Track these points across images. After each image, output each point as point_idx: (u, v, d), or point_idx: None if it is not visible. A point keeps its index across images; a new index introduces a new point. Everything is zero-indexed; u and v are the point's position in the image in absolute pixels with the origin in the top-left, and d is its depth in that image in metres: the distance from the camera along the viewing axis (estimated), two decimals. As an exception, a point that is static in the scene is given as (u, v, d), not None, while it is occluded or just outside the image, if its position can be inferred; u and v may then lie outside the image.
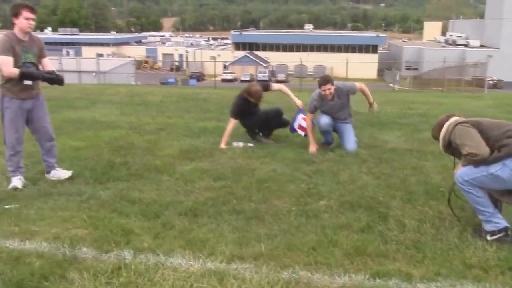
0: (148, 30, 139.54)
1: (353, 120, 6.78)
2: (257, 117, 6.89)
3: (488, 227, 3.61)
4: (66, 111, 9.26)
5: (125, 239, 3.51)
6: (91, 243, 3.44)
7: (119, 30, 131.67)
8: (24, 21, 4.54)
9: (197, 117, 8.98)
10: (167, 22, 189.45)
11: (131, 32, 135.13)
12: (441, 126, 3.88)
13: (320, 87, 6.30)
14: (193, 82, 46.61)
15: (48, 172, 5.08)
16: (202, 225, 3.81)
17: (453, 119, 3.85)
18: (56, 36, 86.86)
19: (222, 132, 6.71)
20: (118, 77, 36.39)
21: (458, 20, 79.19)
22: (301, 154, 6.10)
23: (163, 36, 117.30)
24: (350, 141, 6.37)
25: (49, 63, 4.94)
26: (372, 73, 56.82)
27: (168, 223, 3.83)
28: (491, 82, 44.26)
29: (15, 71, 4.51)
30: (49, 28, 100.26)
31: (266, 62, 62.68)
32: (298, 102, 6.84)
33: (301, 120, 6.79)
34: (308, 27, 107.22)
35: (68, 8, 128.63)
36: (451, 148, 3.83)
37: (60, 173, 5.05)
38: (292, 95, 6.94)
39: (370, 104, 6.62)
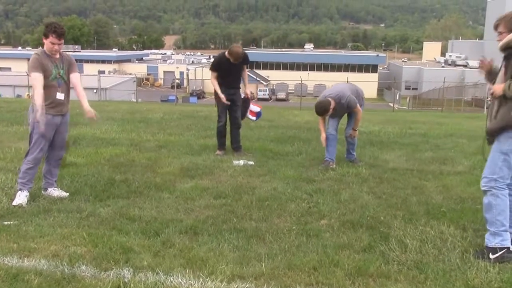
0: (149, 48, 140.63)
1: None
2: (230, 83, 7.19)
3: (493, 241, 3.58)
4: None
5: (124, 257, 3.47)
6: (90, 261, 3.41)
7: (121, 47, 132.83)
8: (50, 45, 4.72)
9: (198, 134, 8.99)
10: (169, 40, 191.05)
11: (133, 49, 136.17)
12: None
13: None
14: (193, 99, 46.76)
15: (46, 189, 5.07)
16: (202, 244, 3.78)
17: None
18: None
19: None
20: (119, 94, 36.58)
21: (457, 41, 79.78)
22: (301, 173, 6.09)
23: (165, 54, 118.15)
24: (349, 128, 6.69)
25: (77, 79, 5.01)
26: (372, 93, 57.04)
27: (168, 241, 3.80)
28: (490, 102, 44.39)
29: (41, 91, 4.60)
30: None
31: (266, 80, 63.00)
32: (248, 91, 7.41)
33: (252, 106, 7.43)
34: (309, 46, 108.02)
35: (71, 25, 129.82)
36: (507, 51, 3.67)
37: (55, 193, 5.03)
38: (245, 84, 7.44)
39: (352, 128, 6.68)
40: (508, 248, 3.58)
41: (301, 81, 30.82)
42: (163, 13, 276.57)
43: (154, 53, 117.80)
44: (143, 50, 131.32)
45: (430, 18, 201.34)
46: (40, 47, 4.85)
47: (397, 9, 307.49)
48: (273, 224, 4.27)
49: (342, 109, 6.50)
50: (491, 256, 3.53)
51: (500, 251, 3.54)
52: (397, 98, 36.23)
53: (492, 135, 3.73)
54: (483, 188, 3.74)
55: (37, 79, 4.64)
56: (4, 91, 38.39)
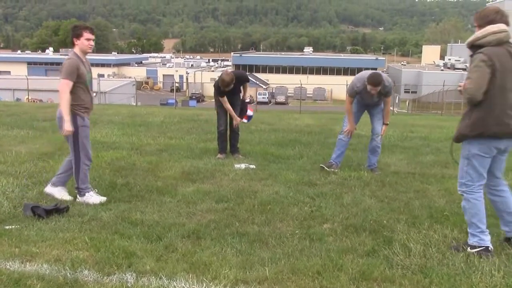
0: (149, 52, 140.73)
1: (356, 143, 6.78)
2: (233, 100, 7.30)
3: (472, 240, 3.71)
4: (68, 131, 9.25)
5: (127, 261, 3.45)
6: (93, 266, 3.39)
7: (121, 51, 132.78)
8: (86, 42, 4.79)
9: (199, 138, 8.97)
10: (168, 43, 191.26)
11: (132, 53, 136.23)
12: (487, 20, 3.58)
13: (368, 84, 6.00)
14: (193, 103, 46.76)
15: (55, 185, 5.10)
16: (205, 248, 3.76)
17: (492, 37, 3.52)
18: (57, 57, 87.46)
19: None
20: (118, 98, 36.55)
21: (456, 44, 79.80)
22: (303, 176, 6.07)
23: (164, 57, 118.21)
24: (378, 125, 6.45)
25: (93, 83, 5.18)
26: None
27: (170, 246, 3.78)
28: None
29: (68, 98, 4.67)
30: (51, 49, 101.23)
31: (266, 84, 62.99)
32: (247, 95, 7.58)
33: (248, 111, 7.61)
34: (308, 50, 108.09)
35: (70, 29, 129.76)
36: (472, 50, 3.64)
37: (58, 194, 5.04)
38: (245, 91, 7.53)
39: (384, 123, 6.45)
40: (487, 247, 3.67)
41: (301, 84, 30.84)
42: (162, 16, 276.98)
43: (154, 57, 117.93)
44: (143, 53, 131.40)
45: (429, 22, 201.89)
46: (73, 51, 4.85)
47: (396, 12, 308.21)
48: (276, 228, 4.25)
49: (380, 93, 6.12)
50: (469, 250, 3.68)
51: (478, 248, 3.66)
52: (397, 101, 36.24)
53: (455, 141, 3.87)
54: (458, 193, 3.90)
55: (69, 86, 4.69)
56: (4, 94, 38.31)
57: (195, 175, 6.09)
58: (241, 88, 7.45)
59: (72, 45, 4.88)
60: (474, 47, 3.61)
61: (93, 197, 4.95)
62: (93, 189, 5.13)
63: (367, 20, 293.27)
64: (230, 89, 7.07)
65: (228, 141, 7.40)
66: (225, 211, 4.71)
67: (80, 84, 4.77)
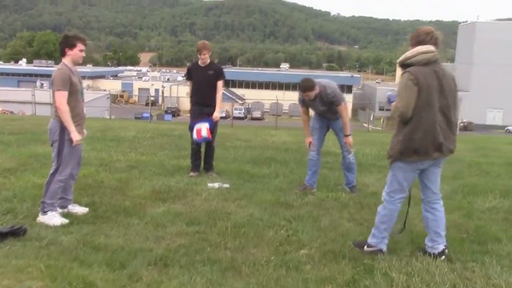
0: (125, 65, 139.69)
1: (332, 161, 6.59)
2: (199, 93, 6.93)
3: (372, 240, 4.06)
4: (33, 146, 8.81)
5: (85, 293, 3.14)
6: (47, 298, 3.06)
7: (96, 64, 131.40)
8: (79, 53, 4.71)
9: (171, 154, 8.66)
10: (145, 57, 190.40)
11: (108, 66, 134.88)
12: (417, 40, 3.83)
13: (298, 90, 6.00)
14: (168, 117, 46.32)
15: (64, 207, 4.94)
16: (172, 277, 3.46)
17: (421, 56, 3.74)
18: (30, 68, 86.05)
19: (197, 172, 6.42)
20: (92, 111, 35.84)
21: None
22: (279, 197, 5.83)
23: (140, 70, 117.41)
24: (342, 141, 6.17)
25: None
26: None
27: (135, 275, 3.47)
28: (461, 124, 45.36)
29: (67, 109, 4.57)
30: (24, 60, 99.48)
31: (242, 99, 63.01)
32: (215, 115, 6.87)
33: (205, 129, 6.75)
34: (285, 66, 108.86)
35: (45, 40, 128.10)
36: (402, 68, 3.84)
37: (76, 209, 4.97)
38: (218, 104, 6.92)
39: (344, 134, 6.10)
40: (381, 249, 4.03)
41: (277, 100, 30.77)
42: (139, 30, 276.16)
43: (129, 70, 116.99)
44: (118, 66, 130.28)
45: (403, 41, 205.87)
46: (62, 62, 4.70)
47: (370, 31, 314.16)
48: (250, 255, 3.98)
49: (325, 102, 5.87)
50: (366, 249, 4.04)
51: (375, 247, 4.03)
52: (371, 119, 36.53)
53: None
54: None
55: (65, 96, 4.58)
56: (-27, 105, 37.27)
57: (166, 194, 5.79)
58: (216, 85, 6.87)
59: (62, 55, 4.71)
60: (404, 65, 3.81)
61: (54, 218, 4.62)
62: (73, 203, 5.00)
63: (343, 37, 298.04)
64: (203, 76, 6.79)
65: (203, 158, 7.12)
66: (196, 234, 4.42)
67: (73, 95, 4.63)
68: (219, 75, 6.92)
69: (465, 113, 44.88)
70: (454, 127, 3.90)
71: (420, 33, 3.83)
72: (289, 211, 5.29)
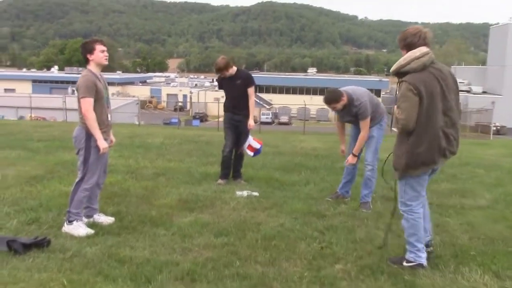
0: (153, 71, 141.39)
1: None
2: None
3: (410, 256, 3.78)
4: (61, 152, 8.79)
5: (108, 311, 2.97)
6: (68, 316, 2.90)
7: (125, 70, 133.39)
8: (101, 54, 4.54)
9: (199, 161, 8.50)
10: (173, 63, 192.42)
11: (137, 72, 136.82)
12: (405, 43, 3.64)
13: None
14: (196, 122, 46.42)
15: (90, 217, 4.80)
16: (200, 294, 3.26)
17: (415, 63, 3.54)
18: (62, 75, 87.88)
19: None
20: (121, 116, 36.23)
21: (460, 67, 79.66)
22: (310, 206, 5.59)
23: (168, 76, 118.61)
24: (368, 152, 5.69)
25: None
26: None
27: (160, 291, 3.29)
28: (494, 128, 44.03)
29: (94, 116, 4.43)
30: (56, 67, 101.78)
31: (269, 104, 62.78)
32: (250, 124, 6.71)
33: (252, 141, 6.73)
34: (312, 70, 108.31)
35: (76, 47, 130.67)
36: (398, 77, 3.64)
37: (102, 219, 4.84)
38: (251, 112, 6.76)
39: (352, 153, 5.65)
40: (421, 264, 3.75)
41: (305, 105, 30.42)
42: (167, 36, 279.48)
43: (158, 76, 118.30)
44: (147, 73, 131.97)
45: (432, 44, 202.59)
46: (87, 69, 4.57)
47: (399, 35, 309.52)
48: (282, 269, 3.75)
49: (352, 112, 5.47)
50: (405, 264, 3.77)
51: (413, 262, 3.76)
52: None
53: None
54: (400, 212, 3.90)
55: (91, 103, 4.44)
56: (7, 112, 38.10)
57: (193, 203, 5.61)
58: (247, 92, 6.63)
59: (86, 62, 4.59)
60: (400, 74, 3.60)
61: (80, 228, 4.49)
62: (99, 213, 4.87)
63: (370, 41, 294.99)
64: (231, 86, 6.62)
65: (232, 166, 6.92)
66: (225, 247, 4.22)
67: (98, 101, 4.49)
68: (248, 82, 6.71)
69: (497, 117, 43.48)
70: (458, 128, 3.73)
71: (407, 35, 3.63)
72: (322, 221, 5.04)
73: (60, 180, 6.49)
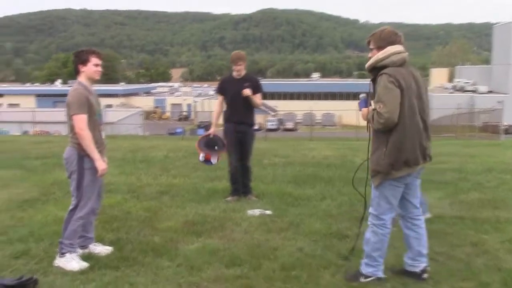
0: (157, 81, 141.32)
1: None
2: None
3: (368, 270, 3.61)
4: (58, 171, 8.28)
5: None
6: None
7: (129, 81, 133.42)
8: (94, 68, 4.10)
9: (206, 176, 7.98)
10: (176, 72, 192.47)
11: (141, 83, 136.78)
12: (388, 41, 3.47)
13: None
14: (201, 132, 45.95)
15: (85, 247, 4.28)
16: None
17: (396, 57, 3.42)
18: (66, 88, 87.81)
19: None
20: (126, 128, 35.82)
21: (465, 67, 78.91)
22: (330, 225, 5.06)
23: (172, 86, 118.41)
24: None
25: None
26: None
27: None
28: (502, 127, 43.28)
29: (89, 135, 3.97)
30: (59, 80, 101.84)
31: (274, 110, 62.34)
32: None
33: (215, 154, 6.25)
34: (316, 75, 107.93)
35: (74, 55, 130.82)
36: (373, 73, 3.50)
37: (98, 249, 4.34)
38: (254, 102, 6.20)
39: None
40: (380, 277, 3.60)
41: (310, 110, 29.95)
42: (170, 46, 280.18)
43: (162, 86, 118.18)
44: (151, 83, 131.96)
45: (435, 45, 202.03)
46: (77, 81, 4.10)
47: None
48: (306, 308, 3.22)
49: None
50: (362, 280, 3.59)
51: (371, 277, 3.59)
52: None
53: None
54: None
55: (85, 120, 3.98)
56: (11, 127, 37.79)
57: (200, 226, 5.09)
58: (253, 100, 6.11)
59: (76, 73, 4.11)
60: (376, 69, 3.48)
61: (73, 261, 3.98)
62: (95, 242, 4.35)
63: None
64: (237, 90, 6.04)
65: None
66: (238, 279, 3.69)
67: (90, 118, 4.01)
68: (257, 88, 6.18)
69: (504, 116, 42.73)
70: (430, 132, 3.61)
71: (391, 34, 3.54)
72: (344, 243, 4.51)
73: (55, 203, 5.99)
